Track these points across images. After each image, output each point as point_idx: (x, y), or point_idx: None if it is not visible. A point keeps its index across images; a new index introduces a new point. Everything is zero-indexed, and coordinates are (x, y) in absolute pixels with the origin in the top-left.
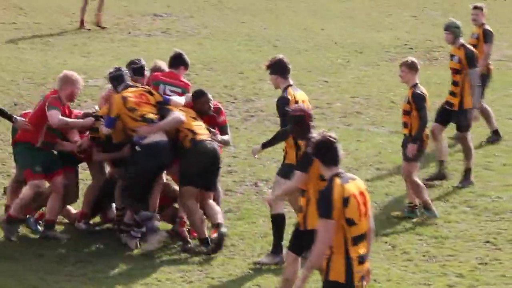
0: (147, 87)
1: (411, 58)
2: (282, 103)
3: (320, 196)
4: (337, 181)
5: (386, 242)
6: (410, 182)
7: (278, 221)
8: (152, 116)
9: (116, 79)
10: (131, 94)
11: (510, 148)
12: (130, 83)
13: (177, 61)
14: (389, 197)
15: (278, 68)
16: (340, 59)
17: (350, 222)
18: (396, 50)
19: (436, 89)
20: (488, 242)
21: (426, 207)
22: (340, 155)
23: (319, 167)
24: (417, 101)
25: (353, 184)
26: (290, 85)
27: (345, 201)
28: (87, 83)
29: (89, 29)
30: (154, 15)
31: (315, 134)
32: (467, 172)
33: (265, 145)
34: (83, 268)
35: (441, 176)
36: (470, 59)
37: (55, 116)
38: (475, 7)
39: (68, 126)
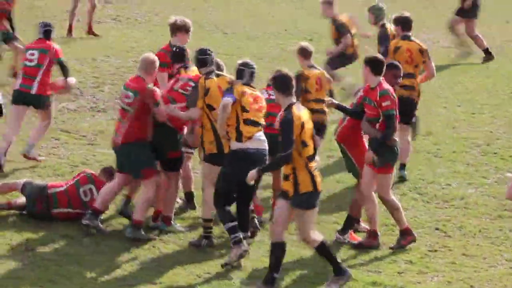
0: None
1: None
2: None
3: None
4: None
5: (335, 230)
6: None
7: (322, 250)
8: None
9: (240, 73)
10: (250, 92)
11: (459, 135)
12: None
13: None
14: (340, 184)
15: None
16: (290, 47)
17: None
18: None
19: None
20: (437, 229)
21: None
22: None
23: None
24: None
25: None
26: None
27: None
28: None
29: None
30: (105, 2)
31: None
32: None
33: (265, 169)
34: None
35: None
36: (380, 38)
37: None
38: None
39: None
